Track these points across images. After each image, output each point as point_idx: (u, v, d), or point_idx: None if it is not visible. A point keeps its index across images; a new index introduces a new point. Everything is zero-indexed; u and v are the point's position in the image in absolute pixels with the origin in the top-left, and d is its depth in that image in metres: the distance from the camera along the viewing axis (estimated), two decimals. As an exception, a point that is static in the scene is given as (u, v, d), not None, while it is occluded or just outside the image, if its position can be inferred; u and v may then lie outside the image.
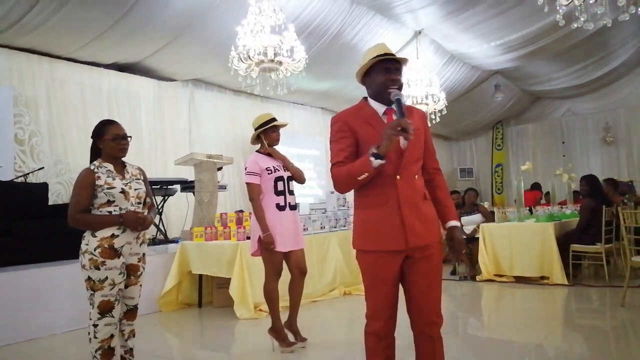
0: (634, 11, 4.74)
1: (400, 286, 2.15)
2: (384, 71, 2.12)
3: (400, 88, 2.12)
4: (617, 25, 6.00)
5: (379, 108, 2.15)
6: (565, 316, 4.83)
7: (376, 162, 1.92)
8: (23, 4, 5.51)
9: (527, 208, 7.43)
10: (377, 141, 1.98)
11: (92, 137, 2.84)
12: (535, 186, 10.90)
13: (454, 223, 2.17)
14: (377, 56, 2.12)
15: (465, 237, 6.94)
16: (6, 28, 5.89)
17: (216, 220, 5.74)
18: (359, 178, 1.98)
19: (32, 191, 5.61)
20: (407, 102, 8.69)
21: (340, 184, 2.08)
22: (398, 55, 2.17)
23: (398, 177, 2.05)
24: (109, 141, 2.76)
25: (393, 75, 2.12)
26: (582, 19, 4.85)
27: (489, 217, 7.21)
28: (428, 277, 2.09)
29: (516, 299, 5.64)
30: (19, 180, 5.92)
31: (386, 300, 2.09)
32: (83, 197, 2.65)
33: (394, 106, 2.08)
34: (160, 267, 5.47)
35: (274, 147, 3.88)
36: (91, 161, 2.79)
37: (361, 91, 2.22)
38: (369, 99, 2.19)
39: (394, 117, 2.07)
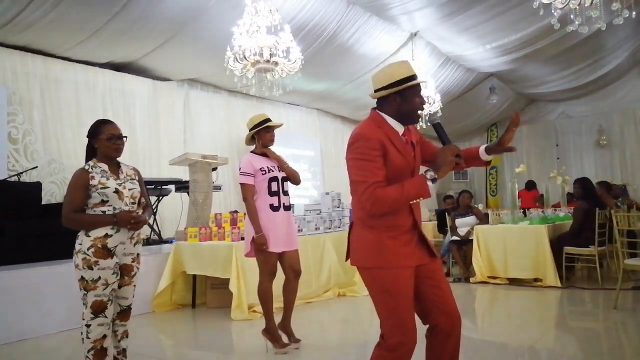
0: (627, 15, 4.77)
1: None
2: (418, 94, 2.10)
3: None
4: (610, 29, 6.05)
5: (398, 128, 2.10)
6: (558, 318, 4.85)
7: (432, 187, 1.96)
8: (18, 2, 5.48)
9: (521, 210, 7.46)
10: (402, 164, 2.03)
11: (87, 136, 2.82)
12: (530, 184, 10.91)
13: (482, 146, 2.21)
14: (411, 77, 2.06)
15: (459, 239, 7.05)
16: (1, 26, 5.86)
17: (210, 220, 5.73)
18: (412, 202, 1.99)
19: (25, 190, 5.58)
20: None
21: (387, 206, 1.97)
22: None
23: (422, 198, 2.04)
24: (104, 141, 2.75)
25: (423, 98, 2.14)
26: (577, 22, 4.87)
27: (483, 219, 7.23)
28: (442, 274, 2.18)
29: (510, 301, 5.66)
30: (13, 179, 5.89)
31: (412, 312, 2.07)
32: (77, 197, 2.64)
33: (430, 128, 2.19)
34: (154, 268, 5.45)
35: (270, 147, 3.88)
36: (86, 161, 2.78)
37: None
38: (384, 115, 2.10)
39: (406, 140, 2.13)
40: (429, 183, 1.93)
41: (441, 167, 1.94)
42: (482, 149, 2.19)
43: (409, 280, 2.05)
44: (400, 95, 2.06)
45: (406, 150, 2.09)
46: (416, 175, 2.07)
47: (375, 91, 2.11)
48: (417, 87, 2.09)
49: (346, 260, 2.21)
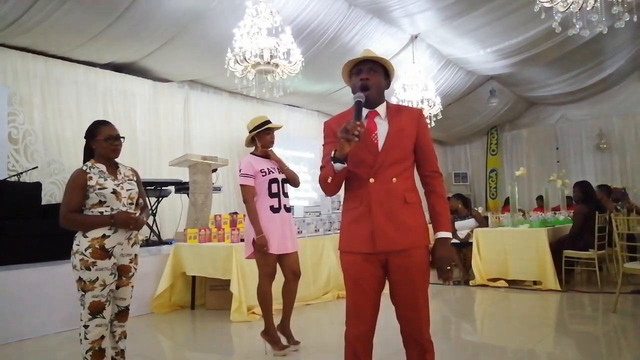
0: (628, 18, 4.77)
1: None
2: (356, 74, 2.15)
3: (367, 87, 2.08)
4: (611, 33, 6.05)
5: (364, 111, 2.12)
6: (558, 322, 4.84)
7: (337, 166, 1.94)
8: (21, 5, 5.48)
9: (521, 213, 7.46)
10: (357, 146, 1.99)
11: (85, 137, 2.83)
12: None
13: (440, 235, 2.09)
14: (353, 60, 2.15)
15: (459, 241, 7.05)
16: (3, 28, 5.87)
17: (210, 222, 5.73)
18: (328, 181, 2.01)
19: (25, 191, 5.57)
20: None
21: (322, 187, 2.09)
22: (389, 59, 2.19)
23: (372, 180, 2.03)
24: (101, 142, 2.75)
25: (362, 75, 2.10)
26: (578, 26, 4.87)
27: (483, 222, 7.23)
28: (407, 283, 2.04)
29: (509, 304, 5.65)
30: (12, 179, 5.89)
31: (365, 300, 2.04)
32: (74, 198, 2.64)
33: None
34: (153, 269, 5.44)
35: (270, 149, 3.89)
36: (84, 162, 2.78)
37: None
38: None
39: (369, 121, 2.12)
40: (332, 162, 1.96)
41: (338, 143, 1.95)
42: (436, 235, 2.11)
43: (367, 267, 2.03)
44: (352, 80, 2.18)
45: (364, 134, 2.04)
46: (382, 154, 2.05)
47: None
48: (356, 68, 2.15)
49: None
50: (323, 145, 2.19)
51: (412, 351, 2.10)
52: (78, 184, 2.65)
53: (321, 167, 2.11)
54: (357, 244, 2.05)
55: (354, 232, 2.07)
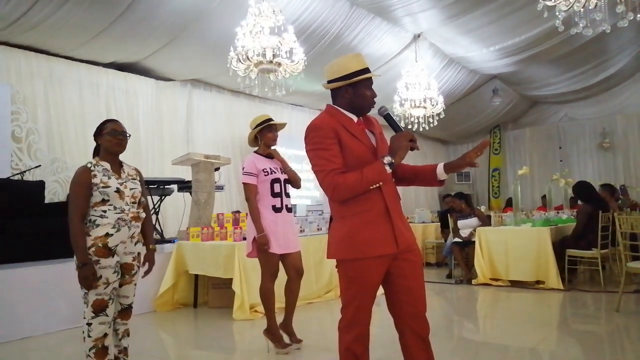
0: (632, 17, 4.75)
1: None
2: (369, 87, 2.14)
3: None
4: (614, 32, 6.03)
5: (353, 118, 2.15)
6: (560, 321, 4.83)
7: (390, 171, 1.98)
8: (23, 3, 5.50)
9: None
10: (362, 150, 2.05)
11: (94, 137, 2.83)
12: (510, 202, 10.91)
13: (440, 164, 2.16)
14: (364, 70, 2.11)
15: (461, 240, 7.04)
16: (5, 26, 5.89)
17: (213, 220, 5.74)
18: (372, 187, 1.99)
19: (28, 189, 5.60)
20: (405, 105, 8.71)
21: (347, 191, 1.99)
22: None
23: (381, 182, 2.03)
24: (106, 135, 2.75)
25: (373, 92, 2.17)
26: (581, 24, 4.86)
27: (486, 221, 7.22)
28: (416, 277, 2.13)
29: (511, 303, 5.65)
30: (16, 178, 5.91)
31: (371, 304, 2.12)
32: (81, 198, 2.63)
33: (372, 118, 2.21)
34: (156, 267, 5.37)
35: (273, 147, 3.89)
36: None
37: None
38: (337, 107, 2.15)
39: (362, 128, 2.15)
40: (387, 168, 1.96)
41: (397, 152, 1.99)
42: (440, 167, 2.14)
43: (380, 269, 2.06)
44: (352, 88, 2.11)
45: (363, 137, 2.11)
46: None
47: (328, 82, 2.15)
48: (369, 80, 2.13)
49: (328, 257, 2.19)
50: (323, 147, 2.03)
51: (414, 349, 2.10)
52: (82, 182, 2.65)
53: (336, 169, 2.00)
54: (379, 246, 2.03)
55: (372, 235, 2.03)
